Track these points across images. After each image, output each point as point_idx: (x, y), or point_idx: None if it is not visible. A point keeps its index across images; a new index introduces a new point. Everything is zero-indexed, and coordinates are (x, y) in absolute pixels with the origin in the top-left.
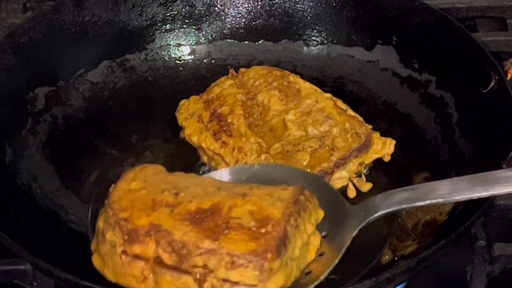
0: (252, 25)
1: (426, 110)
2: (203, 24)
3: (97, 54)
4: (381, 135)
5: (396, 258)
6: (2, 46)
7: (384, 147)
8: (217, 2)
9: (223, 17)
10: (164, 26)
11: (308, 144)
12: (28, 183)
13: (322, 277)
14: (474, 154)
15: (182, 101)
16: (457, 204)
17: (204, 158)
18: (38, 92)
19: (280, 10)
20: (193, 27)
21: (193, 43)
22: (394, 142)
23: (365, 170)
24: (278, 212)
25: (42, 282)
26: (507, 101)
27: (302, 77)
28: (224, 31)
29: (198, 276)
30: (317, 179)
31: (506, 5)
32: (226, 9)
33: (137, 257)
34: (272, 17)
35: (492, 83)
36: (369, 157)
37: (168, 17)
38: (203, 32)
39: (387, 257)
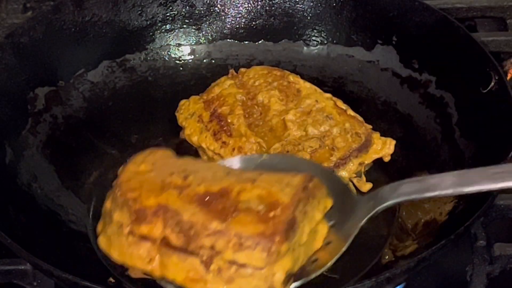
0: (252, 25)
1: (426, 110)
2: (203, 24)
3: (97, 54)
4: (381, 135)
5: (396, 258)
6: (2, 46)
7: (384, 147)
8: (217, 2)
9: (223, 17)
10: (164, 26)
11: (308, 144)
12: (28, 183)
13: (328, 264)
14: (474, 154)
15: (182, 101)
16: (457, 204)
17: (204, 158)
18: (38, 92)
19: (280, 10)
20: (193, 27)
21: (193, 43)
22: (394, 142)
23: (366, 168)
24: (287, 197)
25: (42, 282)
26: (507, 101)
27: (302, 77)
28: (224, 31)
29: (205, 257)
30: (325, 169)
31: (506, 5)
32: (226, 9)
33: (144, 237)
34: (272, 17)
35: (492, 83)
36: (369, 157)
37: (168, 17)
38: (203, 32)
39: (387, 257)
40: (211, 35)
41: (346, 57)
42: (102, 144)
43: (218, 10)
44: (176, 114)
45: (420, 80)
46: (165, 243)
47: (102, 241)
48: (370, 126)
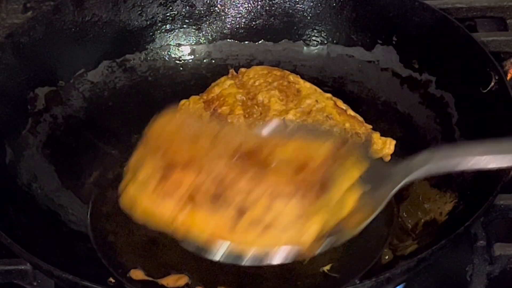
0: (252, 25)
1: (426, 110)
2: (203, 24)
3: (97, 54)
4: (381, 135)
5: (396, 258)
6: (2, 46)
7: (384, 147)
8: (217, 2)
9: (223, 17)
10: (164, 26)
11: None
12: (28, 183)
13: (358, 229)
14: None
15: (182, 101)
16: (457, 204)
17: None
18: (38, 92)
19: (280, 10)
20: (193, 27)
21: (193, 43)
22: (394, 142)
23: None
24: (321, 158)
25: (42, 282)
26: (507, 101)
27: (302, 77)
28: (224, 31)
29: (236, 209)
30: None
31: (506, 5)
32: (226, 9)
33: (170, 194)
34: (272, 17)
35: (492, 83)
36: None
37: (168, 17)
38: (203, 32)
39: (387, 257)
40: (211, 35)
41: (346, 57)
42: (102, 144)
43: (218, 10)
44: None
45: (420, 80)
46: (193, 198)
47: (124, 200)
48: (370, 126)
